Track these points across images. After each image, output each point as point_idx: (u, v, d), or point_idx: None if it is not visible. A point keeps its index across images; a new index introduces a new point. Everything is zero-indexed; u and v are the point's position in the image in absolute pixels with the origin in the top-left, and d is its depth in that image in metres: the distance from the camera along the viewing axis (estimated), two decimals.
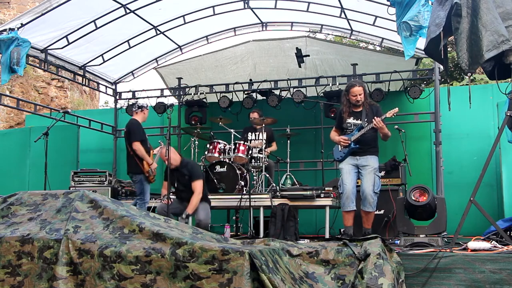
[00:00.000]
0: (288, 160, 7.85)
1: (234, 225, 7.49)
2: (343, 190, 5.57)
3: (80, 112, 11.11)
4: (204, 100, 9.28)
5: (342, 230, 5.89)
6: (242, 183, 7.12)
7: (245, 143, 7.50)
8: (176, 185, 6.32)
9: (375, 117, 5.45)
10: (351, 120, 5.65)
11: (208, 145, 7.65)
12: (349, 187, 5.52)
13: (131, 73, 9.96)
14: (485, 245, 4.46)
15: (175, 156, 6.23)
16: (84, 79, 9.37)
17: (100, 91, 11.12)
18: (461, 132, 8.46)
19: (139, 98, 9.68)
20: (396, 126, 6.89)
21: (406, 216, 5.28)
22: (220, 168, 7.30)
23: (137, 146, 6.34)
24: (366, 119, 5.57)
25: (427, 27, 4.83)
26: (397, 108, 5.58)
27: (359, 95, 5.59)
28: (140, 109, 6.69)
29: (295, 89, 8.57)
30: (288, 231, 6.25)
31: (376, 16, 7.92)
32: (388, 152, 7.07)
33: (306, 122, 9.01)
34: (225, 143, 7.59)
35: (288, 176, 7.70)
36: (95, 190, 7.36)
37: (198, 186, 6.08)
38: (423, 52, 5.36)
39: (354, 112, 5.67)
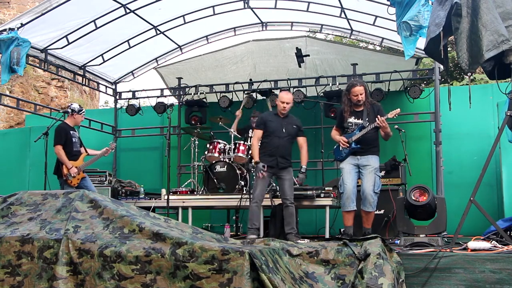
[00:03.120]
0: None
1: (234, 225, 7.49)
2: (344, 190, 5.57)
3: None
4: (204, 100, 9.27)
5: (342, 230, 5.89)
6: (242, 183, 7.12)
7: (245, 142, 7.50)
8: (282, 130, 5.94)
9: (378, 117, 5.44)
10: (352, 120, 5.65)
11: (208, 145, 7.66)
12: (349, 187, 5.53)
13: (131, 73, 9.96)
14: (485, 245, 4.47)
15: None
16: (84, 79, 9.37)
17: (100, 91, 11.12)
18: (461, 132, 8.45)
19: (139, 98, 9.69)
20: (396, 126, 6.88)
21: (406, 216, 5.29)
22: (220, 168, 7.30)
23: (57, 150, 6.57)
24: (367, 119, 5.57)
25: (427, 27, 4.83)
26: (399, 109, 5.57)
27: (360, 94, 5.58)
28: (70, 113, 6.86)
29: (295, 89, 8.57)
30: None
31: (376, 16, 7.91)
32: (388, 152, 7.06)
33: (306, 122, 8.92)
34: (225, 143, 7.60)
35: None
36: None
37: (305, 142, 6.08)
38: (423, 52, 5.36)
39: (355, 111, 5.67)
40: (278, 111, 6.00)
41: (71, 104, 7.08)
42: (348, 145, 5.58)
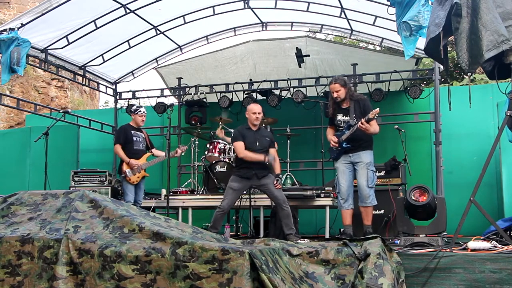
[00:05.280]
0: (288, 160, 7.85)
1: (234, 225, 7.49)
2: (339, 190, 5.64)
3: (80, 112, 11.11)
4: (204, 100, 9.28)
5: (342, 230, 5.90)
6: None
7: None
8: (256, 144, 5.91)
9: (354, 117, 5.45)
10: (340, 117, 5.69)
11: (208, 145, 7.66)
12: (344, 187, 5.57)
13: (131, 73, 9.96)
14: (485, 245, 4.47)
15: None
16: (84, 79, 9.37)
17: (100, 91, 11.12)
18: (461, 132, 8.46)
19: (139, 98, 9.69)
20: (396, 126, 6.90)
21: (406, 216, 5.28)
22: (220, 168, 7.29)
23: (116, 149, 6.79)
24: (354, 115, 5.58)
25: (427, 27, 4.83)
26: (378, 109, 5.50)
27: (336, 92, 5.62)
28: (132, 113, 7.03)
29: (295, 89, 8.57)
30: None
31: (376, 16, 7.91)
32: (388, 152, 7.08)
33: (306, 122, 9.01)
34: (225, 143, 7.60)
35: (288, 176, 7.69)
36: (95, 190, 7.36)
37: (276, 153, 6.08)
38: (423, 52, 5.36)
39: (342, 108, 5.70)
40: (249, 124, 5.98)
41: (133, 105, 7.19)
42: (337, 145, 5.60)
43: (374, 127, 5.52)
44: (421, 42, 5.14)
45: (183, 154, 7.16)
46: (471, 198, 4.32)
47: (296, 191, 6.60)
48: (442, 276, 3.99)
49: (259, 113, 5.95)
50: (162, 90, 9.85)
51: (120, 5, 7.80)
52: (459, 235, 4.79)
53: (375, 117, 5.47)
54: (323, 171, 7.60)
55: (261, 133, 6.04)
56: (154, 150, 7.10)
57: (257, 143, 5.90)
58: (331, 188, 6.61)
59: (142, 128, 7.10)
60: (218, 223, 5.84)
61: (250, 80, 9.27)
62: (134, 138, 6.81)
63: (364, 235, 5.19)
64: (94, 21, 7.92)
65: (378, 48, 13.15)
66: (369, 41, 10.18)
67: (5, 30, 6.82)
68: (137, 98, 9.70)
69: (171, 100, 9.93)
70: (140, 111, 6.95)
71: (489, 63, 4.52)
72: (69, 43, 8.12)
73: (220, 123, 7.96)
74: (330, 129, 5.87)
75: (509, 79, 4.51)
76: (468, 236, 5.37)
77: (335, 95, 5.63)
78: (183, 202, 7.15)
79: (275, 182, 5.79)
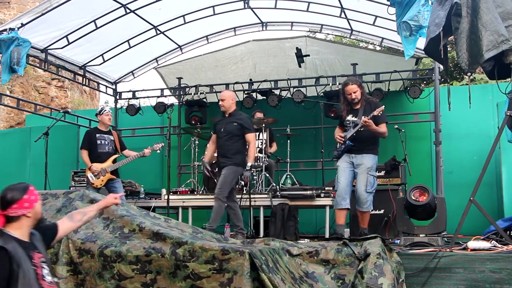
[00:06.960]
0: (288, 160, 7.85)
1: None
2: (337, 188, 5.60)
3: (80, 112, 11.11)
4: (204, 100, 9.28)
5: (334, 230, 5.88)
6: (242, 183, 7.12)
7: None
8: (221, 130, 5.97)
9: (364, 116, 5.42)
10: (349, 118, 5.63)
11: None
12: (342, 185, 5.52)
13: (131, 73, 9.96)
14: (485, 244, 4.48)
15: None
16: (84, 79, 9.37)
17: (100, 91, 11.13)
18: (461, 132, 8.45)
19: (139, 98, 9.69)
20: (396, 126, 6.90)
21: (406, 216, 5.29)
22: None
23: (81, 154, 6.86)
24: (363, 116, 5.54)
25: (427, 27, 4.84)
26: (383, 106, 5.52)
27: (354, 92, 5.57)
28: (98, 115, 7.01)
29: (295, 89, 8.56)
30: (288, 231, 6.26)
31: (376, 16, 7.91)
32: (388, 152, 7.07)
33: (306, 122, 9.01)
34: None
35: (288, 176, 7.70)
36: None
37: (252, 138, 5.93)
38: (423, 52, 5.36)
39: (353, 109, 5.66)
40: None
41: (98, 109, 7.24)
42: (343, 140, 5.58)
43: (382, 129, 5.49)
44: (421, 42, 5.14)
45: (158, 151, 7.05)
46: (471, 198, 4.33)
47: (296, 191, 6.60)
48: (442, 276, 3.99)
49: (221, 100, 6.07)
50: (162, 90, 9.85)
51: (120, 5, 7.80)
52: (459, 235, 4.80)
53: (380, 114, 5.42)
54: (323, 171, 7.60)
55: (231, 119, 5.99)
56: (126, 151, 7.02)
57: (222, 129, 5.97)
58: (331, 188, 6.60)
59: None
60: (214, 215, 5.82)
61: (250, 80, 9.28)
62: (99, 141, 6.80)
63: (360, 235, 5.19)
64: (94, 21, 7.92)
65: (378, 48, 13.15)
66: (369, 41, 10.18)
67: (5, 30, 6.82)
68: (137, 98, 9.69)
69: (171, 100, 9.92)
70: (105, 110, 6.97)
71: (489, 63, 4.53)
72: (69, 43, 8.12)
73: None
74: (338, 129, 5.83)
75: (509, 79, 4.51)
76: (468, 236, 5.37)
77: (353, 96, 5.56)
78: (183, 202, 7.14)
79: (242, 177, 5.77)
